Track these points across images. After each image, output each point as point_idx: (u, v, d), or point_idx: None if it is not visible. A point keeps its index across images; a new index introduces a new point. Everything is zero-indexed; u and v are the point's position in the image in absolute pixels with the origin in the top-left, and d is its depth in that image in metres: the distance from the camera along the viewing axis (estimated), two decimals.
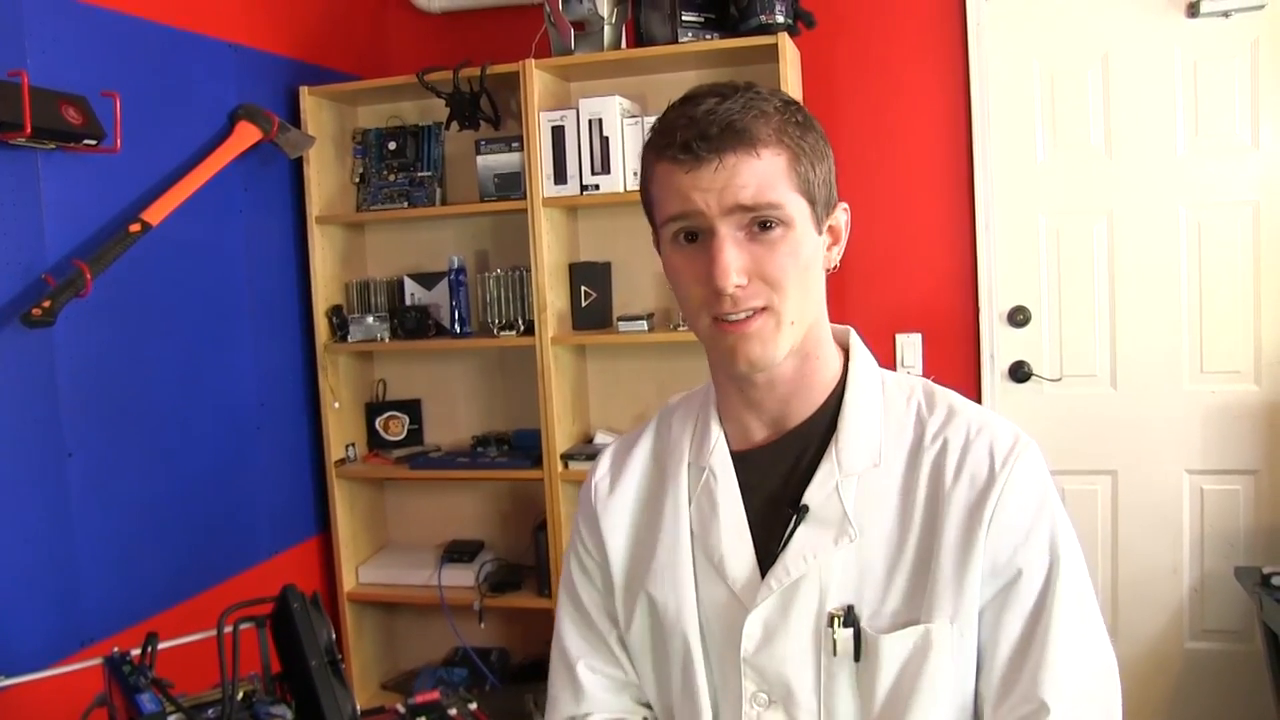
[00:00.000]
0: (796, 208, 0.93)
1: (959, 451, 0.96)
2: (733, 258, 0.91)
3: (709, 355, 1.01)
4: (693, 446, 1.06)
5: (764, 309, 0.93)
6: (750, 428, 1.03)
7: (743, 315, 0.93)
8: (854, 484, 0.97)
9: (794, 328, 0.95)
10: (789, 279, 0.92)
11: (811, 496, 0.97)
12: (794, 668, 0.96)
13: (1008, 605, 0.94)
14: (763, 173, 0.90)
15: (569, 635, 1.13)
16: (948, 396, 1.02)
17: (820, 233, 0.97)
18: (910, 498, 0.96)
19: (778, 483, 1.00)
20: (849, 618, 0.94)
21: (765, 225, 0.92)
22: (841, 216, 1.01)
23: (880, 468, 0.98)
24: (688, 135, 0.91)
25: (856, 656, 0.94)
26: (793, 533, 0.96)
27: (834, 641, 0.94)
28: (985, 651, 0.95)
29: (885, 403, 1.01)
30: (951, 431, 0.98)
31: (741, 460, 1.03)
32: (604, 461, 1.14)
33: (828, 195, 0.97)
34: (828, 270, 1.00)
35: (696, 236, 0.93)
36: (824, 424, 1.00)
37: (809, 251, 0.95)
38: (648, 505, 1.08)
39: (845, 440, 0.98)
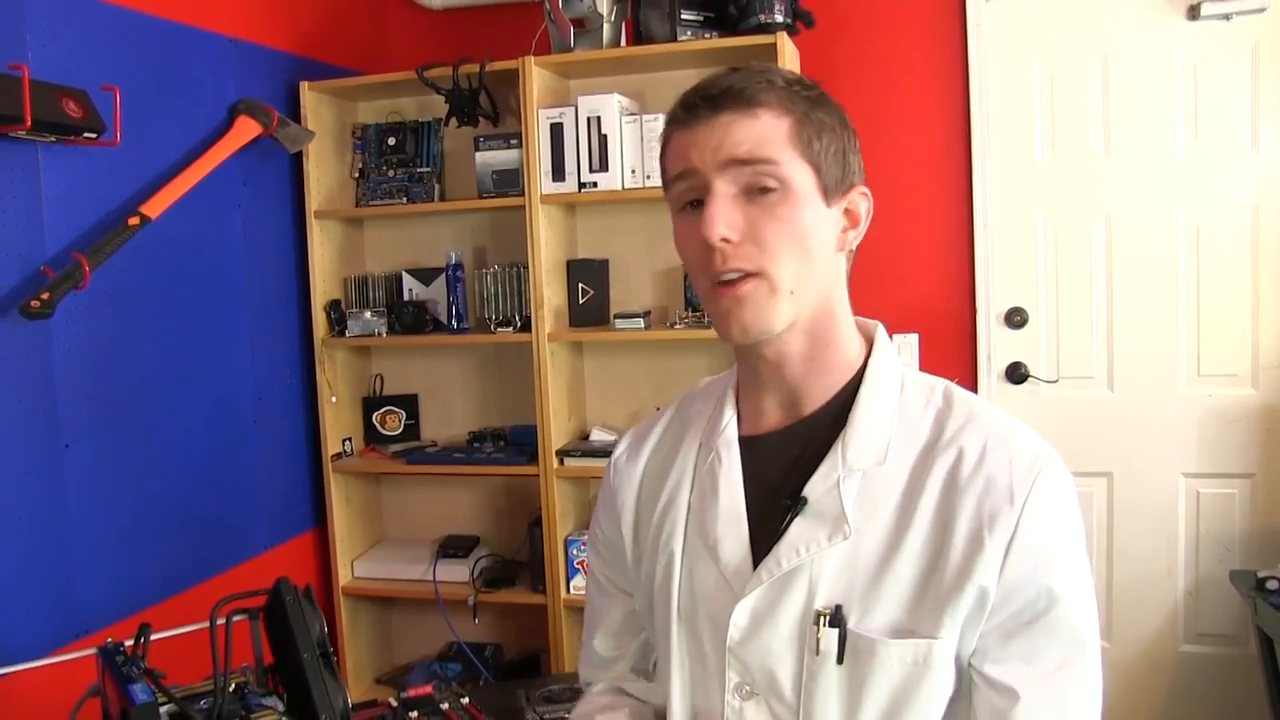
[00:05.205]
0: (797, 171, 0.92)
1: (975, 461, 0.92)
2: (723, 209, 0.90)
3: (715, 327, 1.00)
4: (706, 426, 1.06)
5: (756, 274, 0.91)
6: (764, 410, 1.01)
7: (733, 275, 0.91)
8: (856, 481, 0.94)
9: (794, 298, 0.93)
10: (783, 243, 0.91)
11: (812, 489, 0.94)
12: (777, 662, 0.94)
13: (1021, 633, 0.90)
14: (760, 131, 0.91)
15: (590, 601, 1.20)
16: (969, 401, 0.97)
17: (829, 206, 0.95)
18: (914, 501, 0.92)
19: (782, 472, 0.98)
20: (835, 618, 0.91)
21: (764, 190, 0.91)
22: (861, 202, 0.99)
23: (885, 466, 0.94)
24: (691, 98, 0.94)
25: (840, 659, 0.91)
26: (789, 524, 0.94)
27: (817, 640, 0.92)
28: (995, 674, 0.91)
29: (902, 400, 0.98)
30: (968, 439, 0.93)
31: (750, 445, 1.01)
32: (625, 440, 1.16)
33: (840, 172, 0.95)
34: (843, 252, 0.99)
35: (700, 204, 0.93)
36: (835, 415, 0.98)
37: (810, 220, 0.92)
38: (655, 479, 1.09)
39: (853, 435, 0.95)
